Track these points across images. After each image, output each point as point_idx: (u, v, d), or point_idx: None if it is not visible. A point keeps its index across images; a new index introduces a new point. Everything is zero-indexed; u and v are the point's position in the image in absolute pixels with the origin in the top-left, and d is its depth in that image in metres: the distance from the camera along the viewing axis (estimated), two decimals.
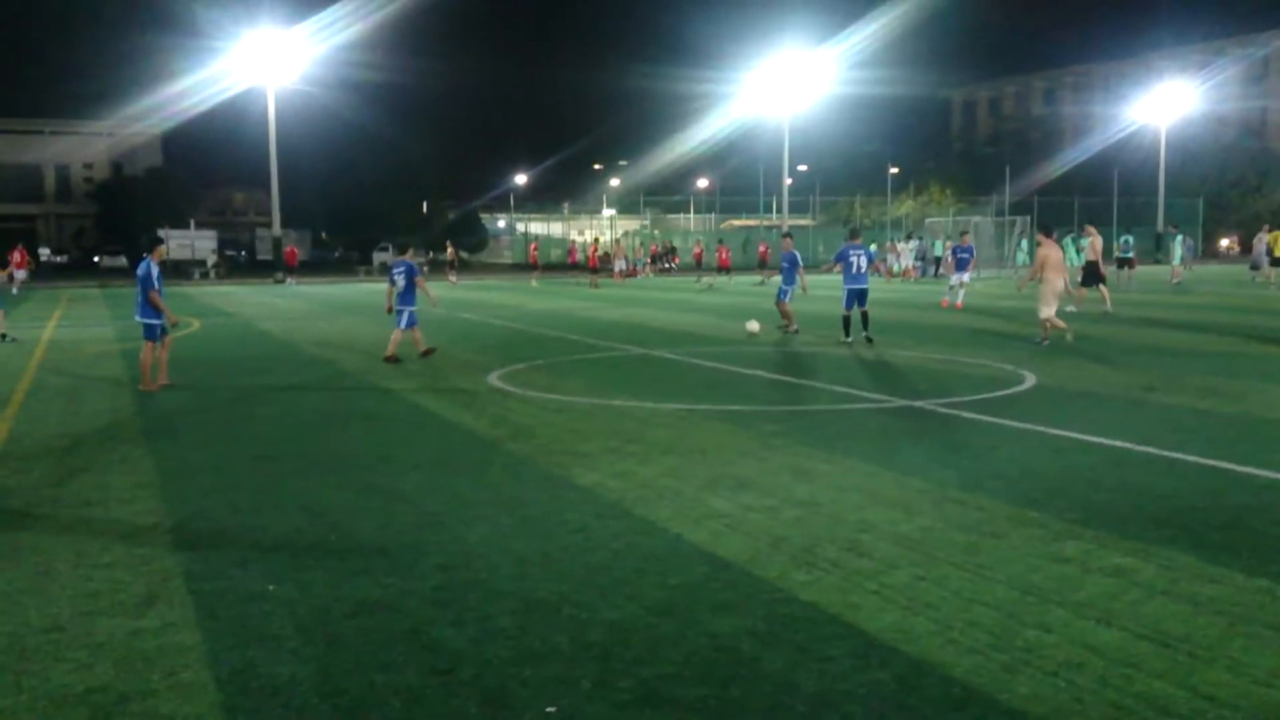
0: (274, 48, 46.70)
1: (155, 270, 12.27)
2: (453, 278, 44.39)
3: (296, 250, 50.35)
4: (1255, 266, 35.11)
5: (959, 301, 24.76)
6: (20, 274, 40.63)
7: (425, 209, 76.28)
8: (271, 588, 5.26)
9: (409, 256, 15.72)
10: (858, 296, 16.89)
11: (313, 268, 63.47)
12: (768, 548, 5.91)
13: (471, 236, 76.64)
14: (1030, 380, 12.33)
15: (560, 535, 6.20)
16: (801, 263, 19.71)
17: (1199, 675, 4.20)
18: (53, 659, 4.44)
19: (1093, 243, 23.60)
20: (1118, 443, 8.65)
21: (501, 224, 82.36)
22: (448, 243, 50.94)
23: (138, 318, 12.43)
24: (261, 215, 72.01)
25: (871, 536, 6.11)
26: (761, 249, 44.90)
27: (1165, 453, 8.25)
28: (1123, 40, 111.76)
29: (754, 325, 17.83)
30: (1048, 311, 16.00)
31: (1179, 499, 6.86)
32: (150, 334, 12.34)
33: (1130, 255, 32.64)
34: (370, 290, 38.53)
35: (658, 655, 4.43)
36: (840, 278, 17.20)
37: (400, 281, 14.92)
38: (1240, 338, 17.18)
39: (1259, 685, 4.10)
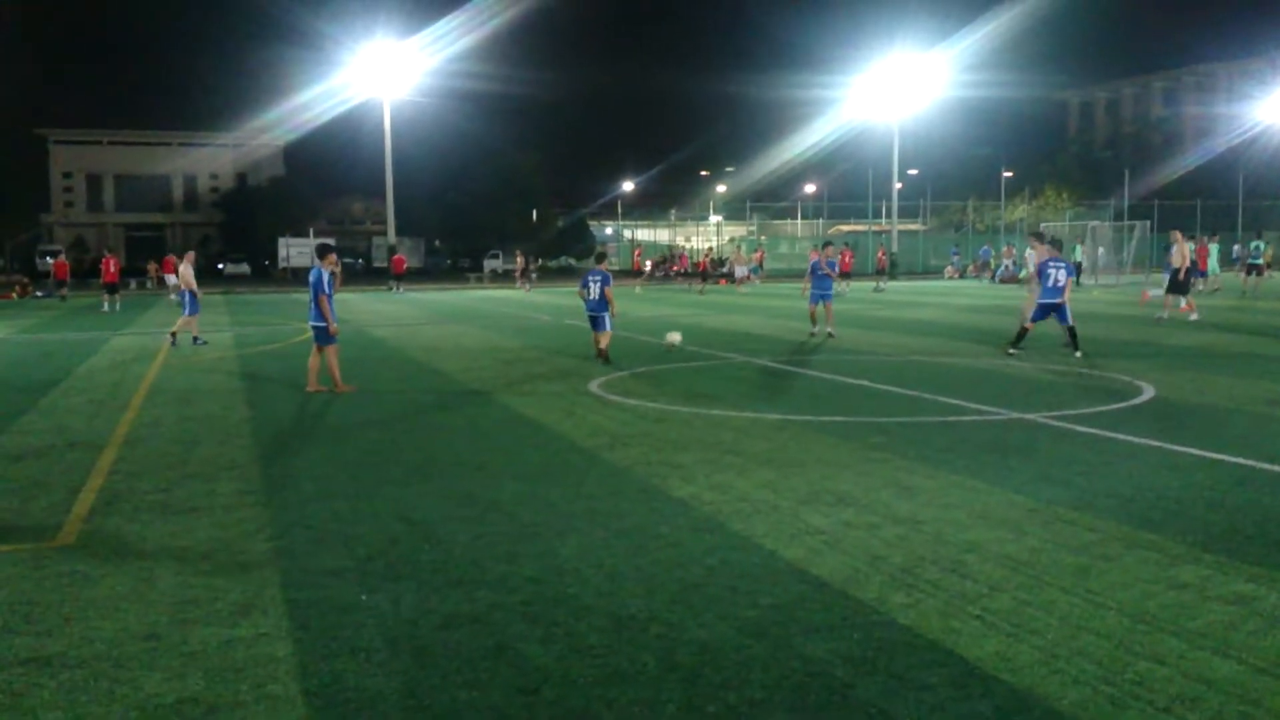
0: (389, 60, 47.99)
1: (327, 276, 12.76)
2: (525, 286, 44.80)
3: (405, 259, 51.31)
4: None
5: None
6: (171, 279, 42.46)
7: (535, 217, 77.29)
8: (364, 598, 5.33)
9: (605, 266, 16.30)
10: (1053, 310, 15.44)
11: (425, 275, 64.91)
12: (866, 567, 5.75)
13: (580, 243, 77.40)
14: (1149, 392, 11.83)
15: (653, 549, 6.14)
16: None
17: None
18: (147, 667, 4.54)
19: (1179, 249, 22.27)
20: (1241, 460, 8.21)
21: (609, 231, 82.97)
22: (518, 251, 51.41)
23: (310, 322, 12.93)
24: (378, 224, 73.94)
25: (976, 557, 5.89)
26: (879, 255, 44.22)
27: None
28: (1246, 37, 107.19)
29: (674, 336, 17.07)
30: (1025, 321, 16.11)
31: None
32: (318, 338, 12.82)
33: (1259, 261, 31.32)
34: (481, 297, 39.20)
35: (747, 679, 4.33)
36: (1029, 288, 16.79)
37: (594, 289, 15.50)
38: None
39: None
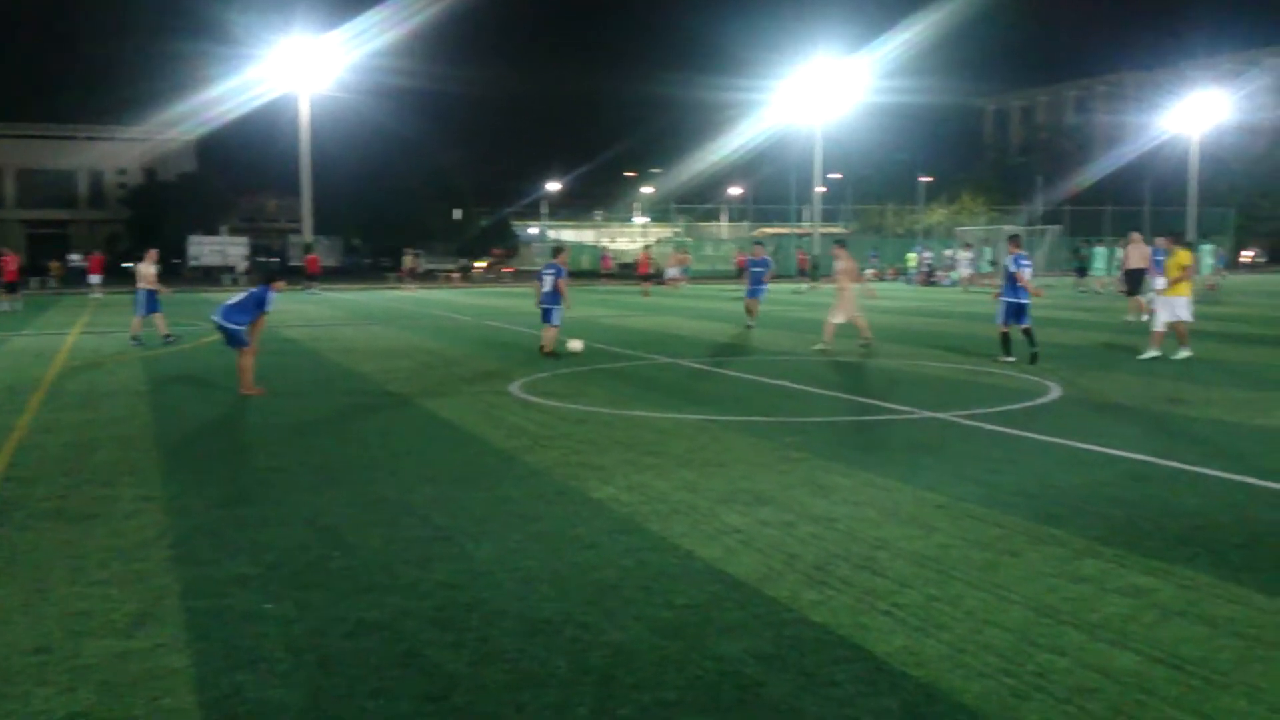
0: (308, 54, 47.06)
1: (272, 298, 12.66)
2: (410, 286, 44.21)
3: (319, 258, 50.00)
4: None
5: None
6: (96, 278, 41.40)
7: (458, 216, 76.62)
8: (268, 606, 5.21)
9: (561, 260, 17.04)
10: (1015, 311, 15.12)
11: (343, 275, 63.88)
12: (781, 565, 5.80)
13: (504, 243, 76.92)
14: (1055, 391, 12.14)
15: (569, 552, 6.12)
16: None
17: (1214, 702, 4.05)
18: (36, 682, 4.37)
19: (1137, 250, 22.93)
20: (1141, 456, 8.47)
21: (533, 231, 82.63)
22: (405, 250, 50.50)
23: (227, 321, 12.48)
24: (295, 222, 72.57)
25: (887, 554, 5.98)
26: (800, 257, 44.49)
27: (1189, 467, 8.06)
28: (1155, 49, 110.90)
29: (576, 344, 17.00)
30: (838, 318, 16.62)
31: (1201, 516, 6.68)
32: (234, 340, 12.55)
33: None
34: (400, 297, 38.71)
35: (660, 680, 4.33)
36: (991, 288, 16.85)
37: (548, 282, 16.35)
38: (1271, 348, 16.85)
39: (1276, 713, 3.95)
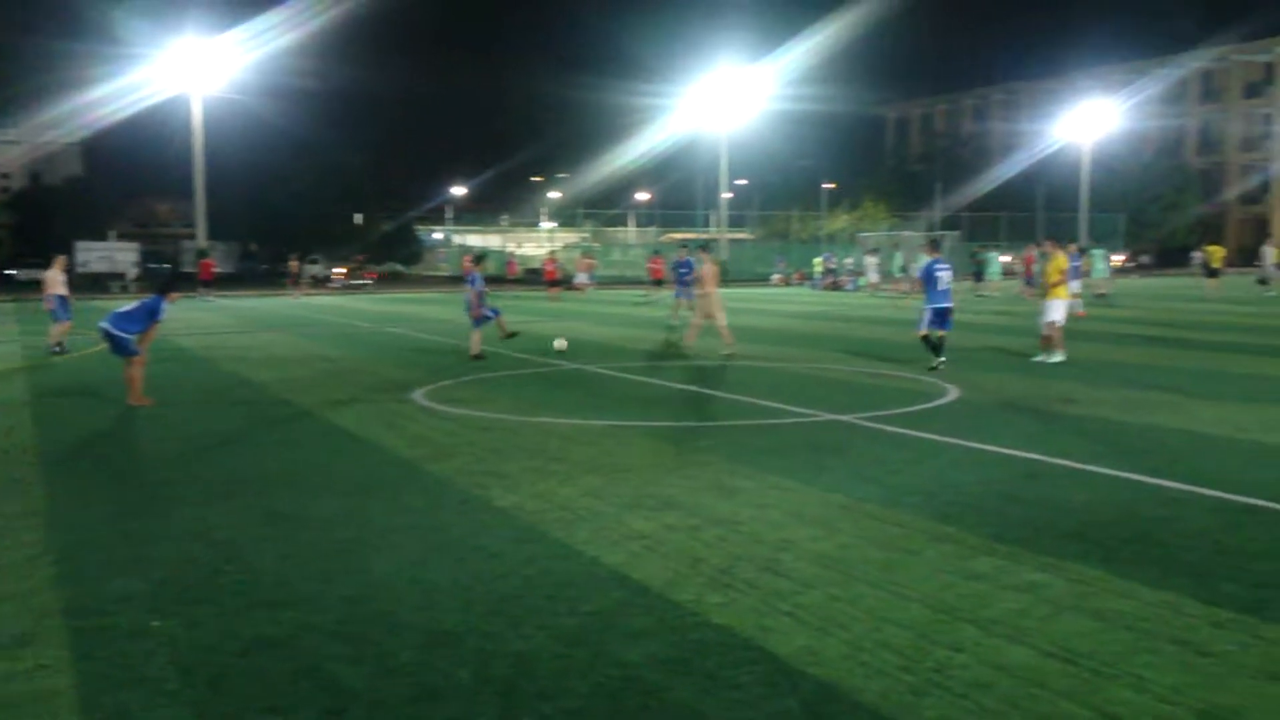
0: (199, 54, 45.74)
1: (164, 310, 12.34)
2: (296, 293, 43.29)
3: (214, 263, 48.39)
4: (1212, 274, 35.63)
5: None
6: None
7: (359, 220, 75.28)
8: (156, 624, 5.03)
9: (479, 269, 17.75)
10: (943, 316, 14.90)
11: (238, 281, 62.25)
12: (686, 569, 5.81)
13: (407, 248, 75.81)
14: (953, 393, 12.42)
15: (473, 561, 6.05)
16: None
17: (1103, 693, 4.18)
18: None
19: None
20: (1035, 455, 8.71)
21: (438, 236, 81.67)
22: (291, 256, 49.12)
23: (116, 329, 12.00)
24: (189, 226, 70.45)
25: (790, 556, 6.04)
26: (652, 264, 42.77)
27: (1080, 465, 8.32)
28: (1048, 60, 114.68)
29: (561, 343, 17.68)
30: (697, 320, 16.84)
31: (1091, 512, 6.90)
32: (121, 348, 12.11)
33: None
34: (299, 304, 37.89)
35: (564, 688, 4.30)
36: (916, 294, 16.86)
37: (478, 287, 17.05)
38: (1157, 349, 17.51)
39: (1161, 702, 4.09)
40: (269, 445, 9.84)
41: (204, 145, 47.83)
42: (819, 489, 7.62)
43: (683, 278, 23.18)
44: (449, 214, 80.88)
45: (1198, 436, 9.54)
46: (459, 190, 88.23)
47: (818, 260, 49.47)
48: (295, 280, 44.82)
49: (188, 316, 29.43)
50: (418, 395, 12.84)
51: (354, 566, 5.96)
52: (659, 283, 38.60)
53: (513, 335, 18.28)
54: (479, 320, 17.02)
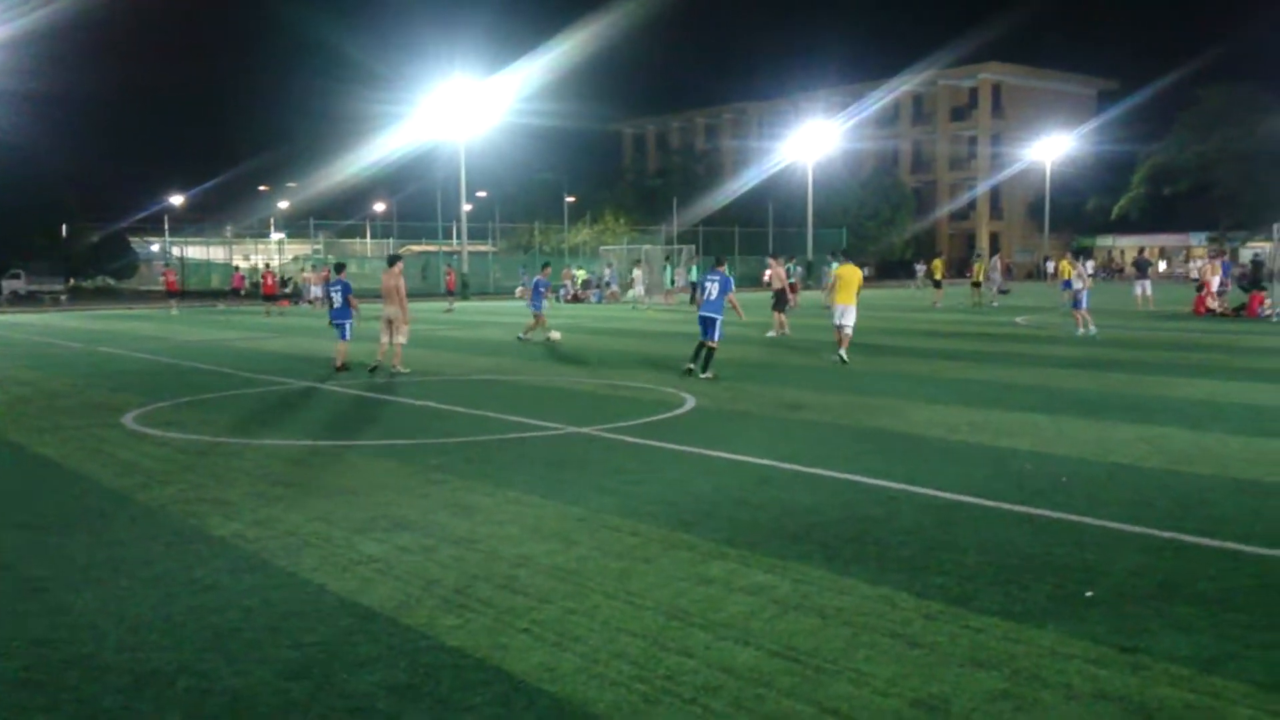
0: None
1: None
2: None
3: None
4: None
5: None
6: None
7: (64, 231, 69.22)
8: None
9: (343, 275, 17.93)
10: (704, 324, 15.25)
11: None
12: (419, 592, 5.62)
13: (118, 260, 70.22)
14: (691, 402, 12.76)
15: (185, 596, 5.61)
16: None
17: (825, 689, 4.34)
18: None
19: (775, 272, 25.18)
20: (765, 461, 9.06)
21: (155, 248, 76.18)
22: None
23: None
24: None
25: (527, 571, 5.97)
26: (448, 275, 43.88)
27: (806, 469, 8.72)
28: (774, 81, 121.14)
29: (555, 334, 20.74)
30: (400, 339, 16.48)
31: (816, 514, 7.22)
32: None
33: (793, 281, 35.34)
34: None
35: None
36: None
37: (337, 298, 17.05)
38: (883, 357, 18.72)
39: (878, 695, 4.29)
40: None
41: None
42: (558, 502, 7.59)
43: (537, 291, 23.07)
44: (167, 224, 75.55)
45: (915, 438, 10.20)
46: (178, 199, 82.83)
47: (581, 271, 49.99)
48: None
49: None
50: (129, 419, 11.87)
51: (48, 607, 5.41)
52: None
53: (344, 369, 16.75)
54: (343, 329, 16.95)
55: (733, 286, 15.71)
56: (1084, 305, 22.59)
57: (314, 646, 4.87)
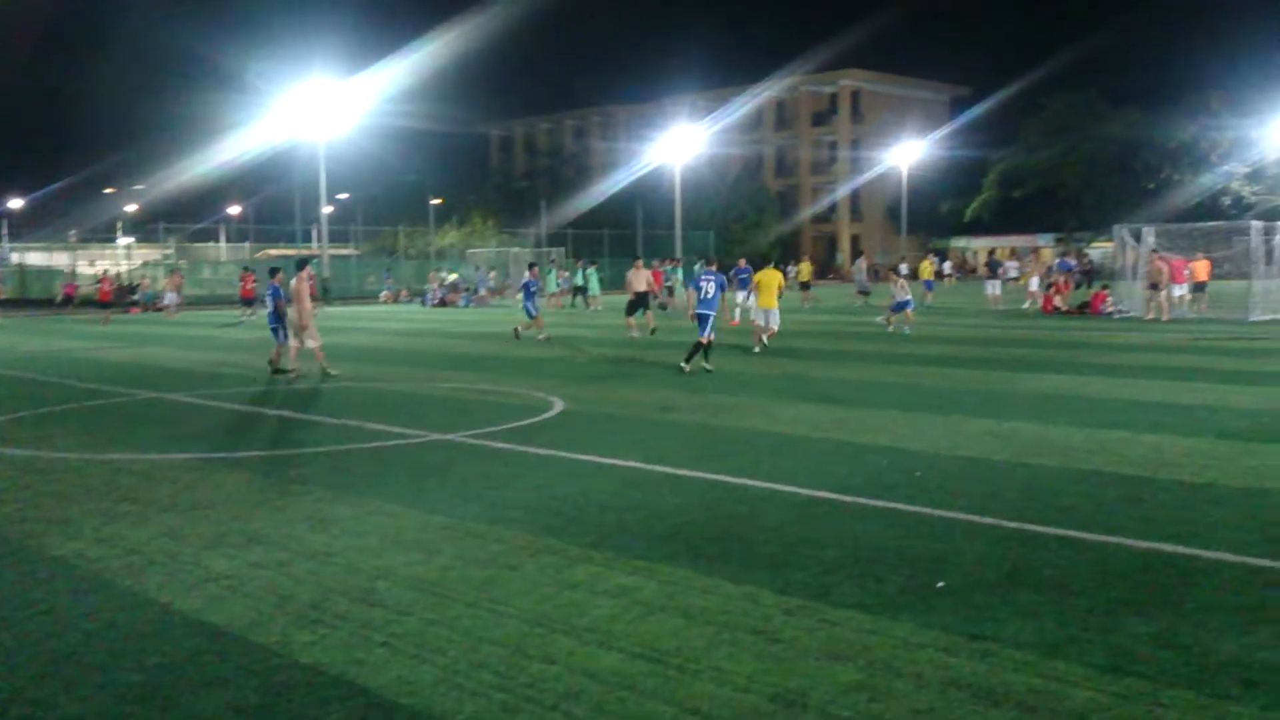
0: None
1: None
2: None
3: None
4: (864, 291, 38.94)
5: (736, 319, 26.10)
6: None
7: None
8: None
9: (278, 280, 17.99)
10: (706, 320, 16.24)
11: None
12: (272, 608, 5.43)
13: None
14: (559, 406, 12.69)
15: (20, 620, 5.31)
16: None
17: (687, 689, 4.36)
18: None
19: (638, 274, 24.97)
20: (633, 463, 9.07)
21: None
22: None
23: None
24: None
25: (386, 583, 5.83)
26: (246, 281, 38.80)
27: (674, 470, 8.76)
28: (642, 85, 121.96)
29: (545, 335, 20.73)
30: (310, 343, 16.31)
31: (682, 514, 7.26)
32: None
33: (670, 285, 35.62)
34: None
35: None
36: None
37: (269, 303, 17.48)
38: (753, 358, 18.98)
39: (739, 692, 4.33)
40: None
41: None
42: (420, 511, 7.44)
43: (529, 291, 23.66)
44: (4, 229, 71.48)
45: (781, 437, 10.36)
46: (18, 203, 78.53)
47: (453, 274, 48.99)
48: None
49: None
50: None
51: None
52: (250, 302, 35.85)
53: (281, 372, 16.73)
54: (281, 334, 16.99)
55: (726, 285, 17.08)
56: (908, 308, 23.75)
57: (158, 668, 4.66)
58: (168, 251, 65.62)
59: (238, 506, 7.70)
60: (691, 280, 19.57)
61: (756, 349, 19.16)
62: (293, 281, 16.54)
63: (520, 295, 24.38)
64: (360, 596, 5.61)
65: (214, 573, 6.07)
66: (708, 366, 16.15)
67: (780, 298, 19.41)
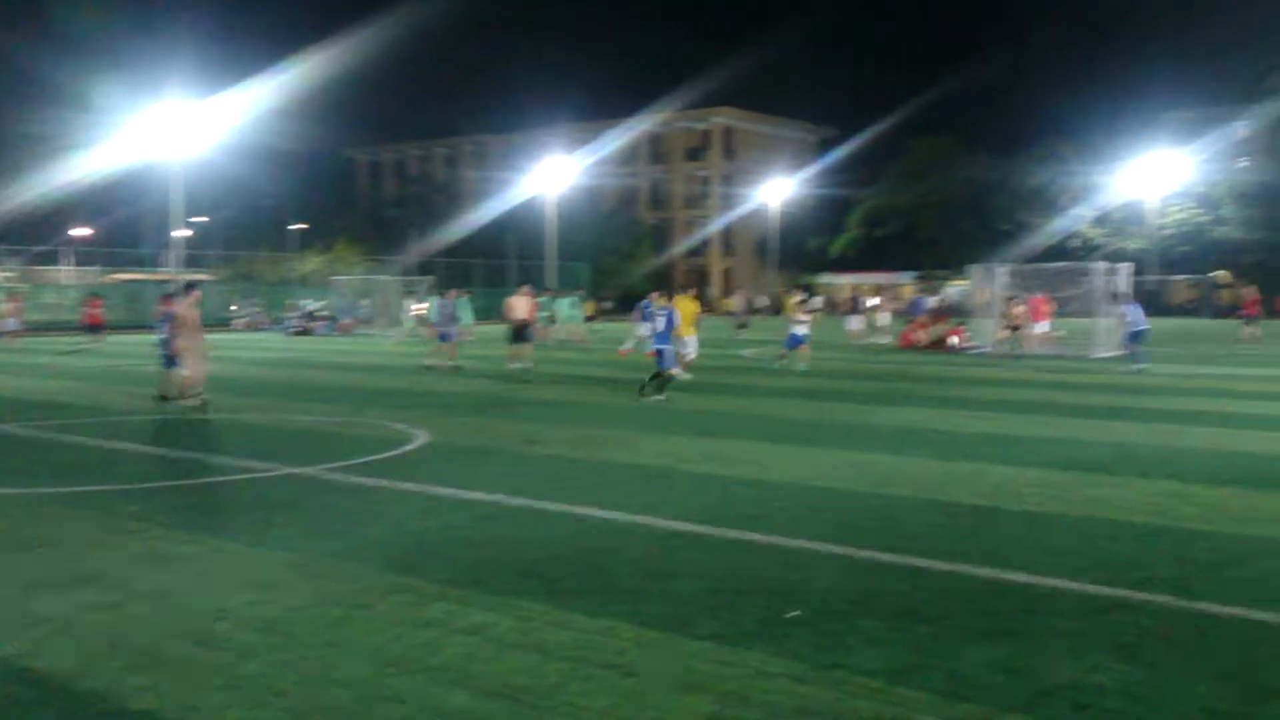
0: None
1: None
2: None
3: None
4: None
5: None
6: None
7: None
8: None
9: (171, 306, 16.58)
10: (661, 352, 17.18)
11: None
12: (102, 653, 5.14)
13: None
14: (422, 438, 12.44)
15: None
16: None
17: None
18: None
19: (521, 302, 24.71)
20: (494, 497, 8.93)
21: None
22: None
23: None
24: None
25: (228, 625, 5.57)
26: (92, 307, 36.27)
27: (535, 503, 8.66)
28: (515, 115, 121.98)
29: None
30: (191, 373, 15.61)
31: (543, 548, 7.18)
32: None
33: (550, 314, 35.44)
34: None
35: None
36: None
37: (165, 329, 16.13)
38: (618, 391, 19.03)
39: None
40: None
41: None
42: (268, 549, 7.16)
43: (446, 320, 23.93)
44: None
45: (646, 469, 10.36)
46: None
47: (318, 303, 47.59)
48: None
49: None
50: None
51: None
52: (96, 329, 34.27)
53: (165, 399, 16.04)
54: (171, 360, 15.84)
55: (679, 320, 18.12)
56: (802, 344, 24.03)
57: None
58: (8, 275, 62.22)
59: (68, 545, 7.27)
60: (645, 314, 20.49)
61: (687, 375, 19.51)
62: (178, 307, 15.66)
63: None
64: (199, 639, 5.35)
65: (38, 616, 5.70)
66: (661, 398, 16.60)
67: (698, 325, 20.33)
